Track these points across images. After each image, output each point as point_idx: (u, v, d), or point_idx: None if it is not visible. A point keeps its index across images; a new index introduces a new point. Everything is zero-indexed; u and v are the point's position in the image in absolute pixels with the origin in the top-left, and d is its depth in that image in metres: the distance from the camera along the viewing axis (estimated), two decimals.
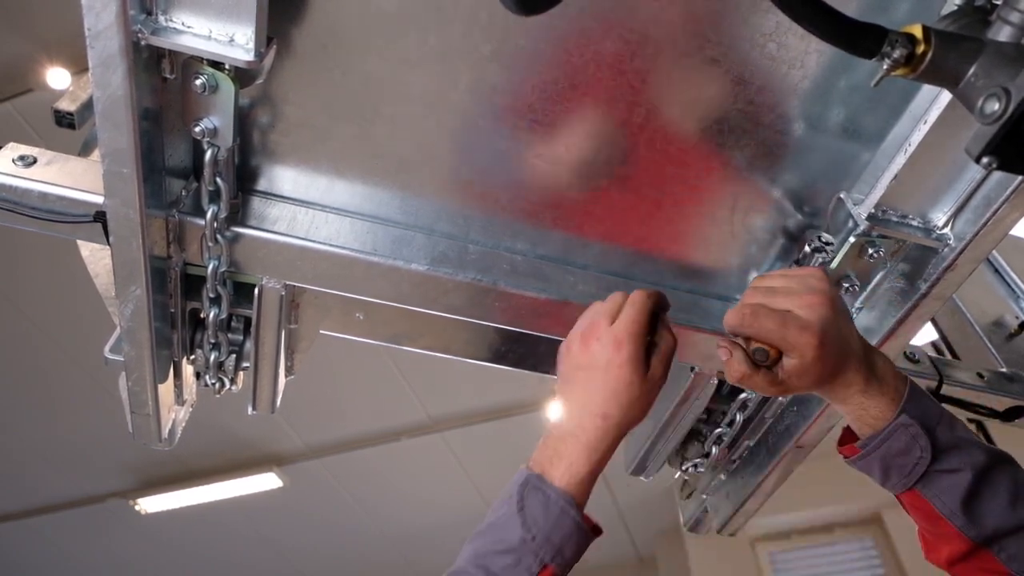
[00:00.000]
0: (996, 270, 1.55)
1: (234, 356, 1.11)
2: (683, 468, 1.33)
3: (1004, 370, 1.29)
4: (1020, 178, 0.82)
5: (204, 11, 0.75)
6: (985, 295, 1.49)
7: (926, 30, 0.65)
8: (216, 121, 0.84)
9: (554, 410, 0.90)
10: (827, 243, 0.98)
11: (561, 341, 0.90)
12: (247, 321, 1.08)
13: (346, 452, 5.03)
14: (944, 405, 1.20)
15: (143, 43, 0.74)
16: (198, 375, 1.16)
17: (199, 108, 0.83)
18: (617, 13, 0.83)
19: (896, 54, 0.65)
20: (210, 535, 6.06)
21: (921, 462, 0.82)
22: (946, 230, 0.91)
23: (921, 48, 0.65)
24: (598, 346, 0.85)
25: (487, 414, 4.71)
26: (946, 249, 0.91)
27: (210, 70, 0.80)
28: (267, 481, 5.26)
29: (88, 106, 1.11)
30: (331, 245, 0.96)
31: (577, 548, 0.82)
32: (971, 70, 0.65)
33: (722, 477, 1.33)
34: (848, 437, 0.89)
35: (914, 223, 0.92)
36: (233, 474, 5.22)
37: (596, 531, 0.85)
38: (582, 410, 0.85)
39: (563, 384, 0.89)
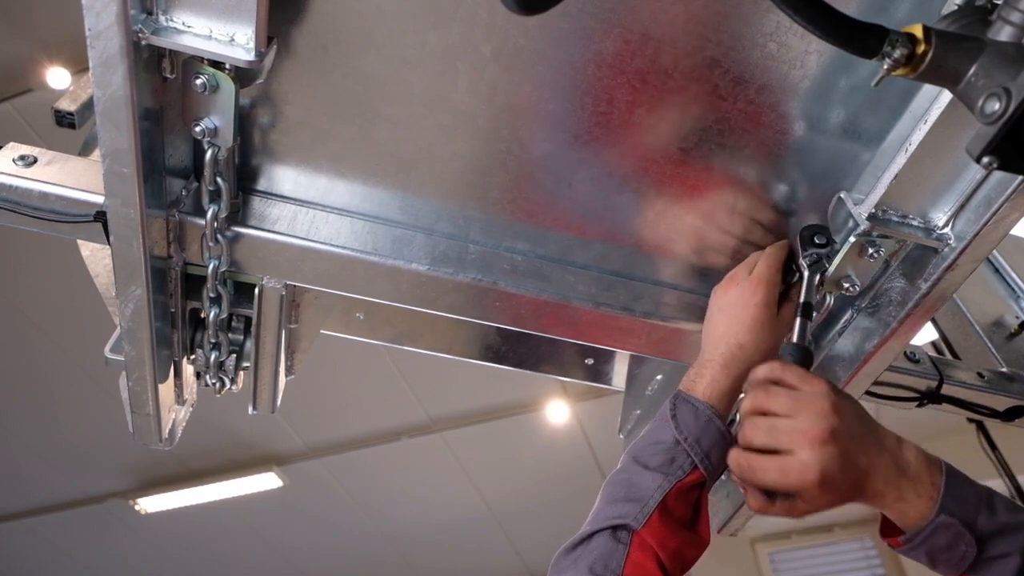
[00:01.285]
0: (996, 270, 1.55)
1: (234, 356, 1.11)
2: None
3: (1004, 370, 1.29)
4: (1020, 178, 0.81)
5: (204, 11, 0.75)
6: (985, 295, 1.49)
7: (926, 30, 0.65)
8: (216, 121, 0.84)
9: (702, 341, 1.03)
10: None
11: (561, 341, 0.93)
12: (247, 321, 1.08)
13: (346, 452, 5.04)
14: (944, 405, 1.21)
15: (143, 43, 0.74)
16: (198, 375, 1.16)
17: (199, 108, 0.83)
18: (617, 13, 0.83)
19: (896, 54, 0.65)
20: (210, 535, 6.06)
21: (967, 555, 0.84)
22: (946, 230, 0.91)
23: (921, 48, 0.65)
24: (737, 290, 1.00)
25: (487, 414, 4.71)
26: (946, 249, 0.91)
27: (210, 70, 0.80)
28: (267, 481, 5.27)
29: (88, 106, 1.11)
30: (331, 245, 0.96)
31: (722, 455, 0.91)
32: (971, 70, 0.65)
33: (722, 477, 1.33)
34: (889, 527, 0.91)
35: (914, 223, 0.92)
36: (233, 474, 5.22)
37: (735, 441, 0.92)
38: (722, 340, 0.98)
39: (707, 323, 1.03)
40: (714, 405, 0.94)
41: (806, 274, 0.98)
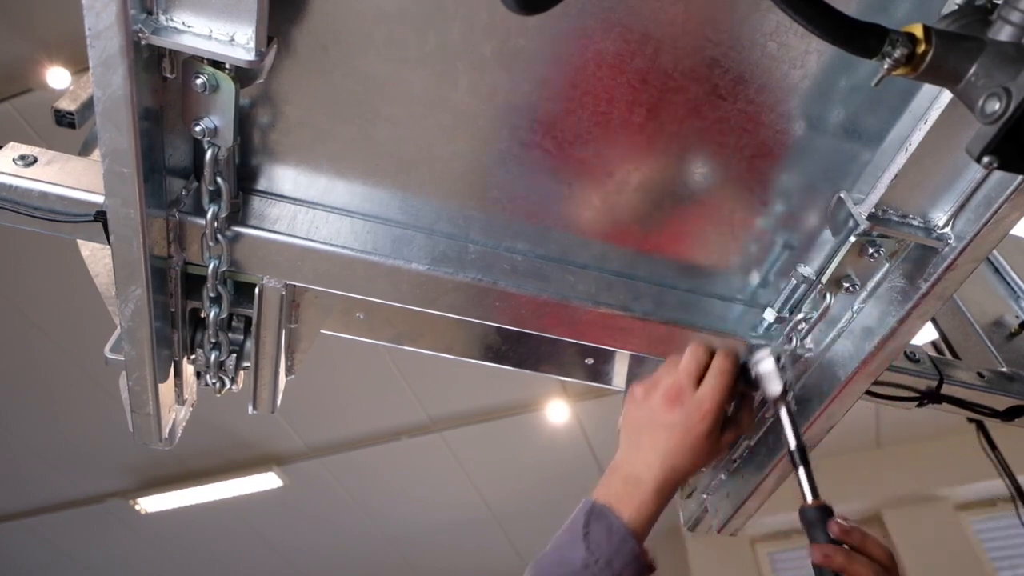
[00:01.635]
0: (996, 270, 1.55)
1: (234, 356, 1.11)
2: None
3: (1004, 370, 1.29)
4: (1020, 178, 0.81)
5: (204, 11, 0.75)
6: (985, 295, 1.49)
7: (927, 30, 0.65)
8: (216, 121, 0.84)
9: (626, 448, 1.00)
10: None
11: (561, 341, 0.92)
12: (247, 321, 1.08)
13: (346, 452, 5.04)
14: (944, 405, 1.21)
15: (143, 43, 0.74)
16: (198, 375, 1.16)
17: (199, 108, 0.83)
18: (617, 13, 0.83)
19: (897, 54, 0.65)
20: (210, 535, 6.07)
21: None
22: (946, 230, 0.91)
23: (921, 48, 0.65)
24: (681, 410, 0.96)
25: (487, 414, 4.72)
26: (946, 249, 0.91)
27: (211, 70, 0.80)
28: (267, 481, 5.27)
29: (88, 106, 1.10)
30: (331, 245, 0.96)
31: None
32: (972, 70, 0.65)
33: (722, 477, 1.33)
34: None
35: (915, 223, 0.92)
36: (233, 474, 5.22)
37: (651, 568, 0.91)
38: (655, 460, 0.95)
39: (635, 433, 0.99)
40: (635, 528, 0.90)
41: (784, 414, 0.95)
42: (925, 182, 0.89)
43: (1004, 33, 0.66)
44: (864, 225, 0.91)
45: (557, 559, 0.89)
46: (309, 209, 1.00)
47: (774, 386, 0.98)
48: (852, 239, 0.94)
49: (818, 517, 0.90)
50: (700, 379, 0.99)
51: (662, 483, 0.94)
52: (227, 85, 0.81)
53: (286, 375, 1.20)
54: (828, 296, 1.01)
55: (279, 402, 1.18)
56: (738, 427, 1.02)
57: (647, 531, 0.92)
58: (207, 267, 0.96)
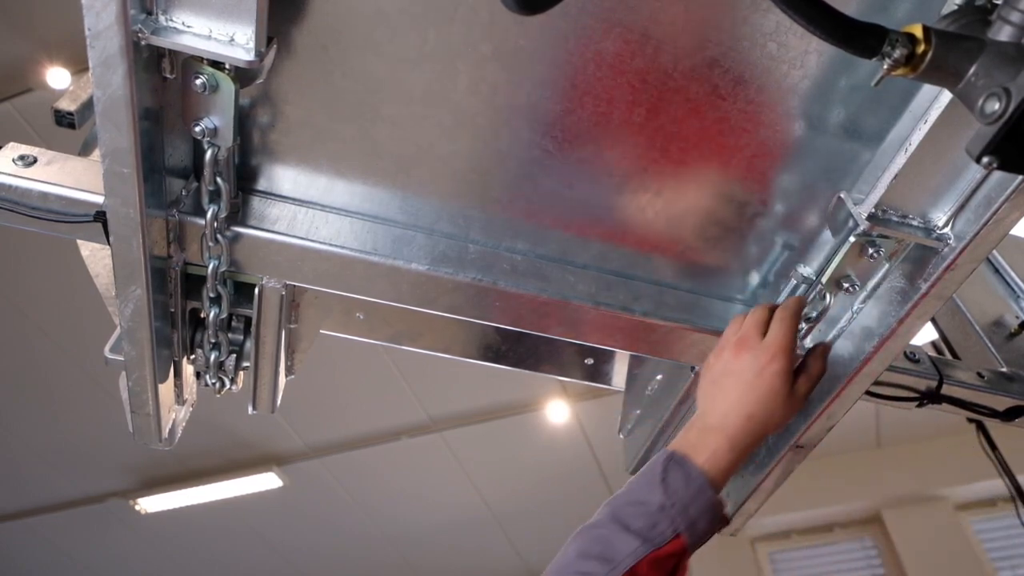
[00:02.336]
0: (996, 270, 1.55)
1: (234, 356, 1.11)
2: None
3: (1004, 370, 1.29)
4: (1020, 178, 0.81)
5: (204, 11, 0.75)
6: (985, 295, 1.49)
7: (926, 30, 0.65)
8: (216, 121, 0.84)
9: (702, 404, 0.99)
10: (806, 277, 1.01)
11: (561, 341, 0.92)
12: (247, 321, 1.08)
13: (346, 452, 5.03)
14: (944, 405, 1.21)
15: (143, 43, 0.74)
16: (198, 375, 1.16)
17: (199, 108, 0.83)
18: (617, 12, 0.83)
19: (896, 54, 0.65)
20: (210, 535, 6.06)
21: None
22: (946, 230, 0.91)
23: (921, 48, 0.65)
24: (750, 356, 0.95)
25: (487, 414, 4.71)
26: (946, 249, 0.91)
27: (210, 70, 0.80)
28: (267, 481, 5.26)
29: (88, 106, 1.10)
30: (331, 245, 0.96)
31: (709, 526, 0.89)
32: (971, 70, 0.65)
33: None
34: None
35: (914, 223, 0.92)
36: (233, 474, 5.22)
37: (726, 520, 0.91)
38: (730, 409, 0.93)
39: (711, 385, 0.98)
40: (711, 476, 0.90)
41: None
42: (925, 182, 0.89)
43: (1004, 33, 0.66)
44: (864, 225, 0.91)
45: (633, 499, 0.89)
46: (309, 209, 0.99)
47: None
48: (852, 239, 0.94)
49: None
50: (766, 331, 0.98)
51: (736, 432, 0.92)
52: (227, 85, 0.81)
53: (286, 375, 1.20)
54: (828, 296, 1.01)
55: (279, 402, 1.18)
56: (810, 376, 0.98)
57: (723, 482, 0.91)
58: (207, 267, 0.96)
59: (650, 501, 0.87)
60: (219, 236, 0.93)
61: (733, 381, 0.95)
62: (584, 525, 0.89)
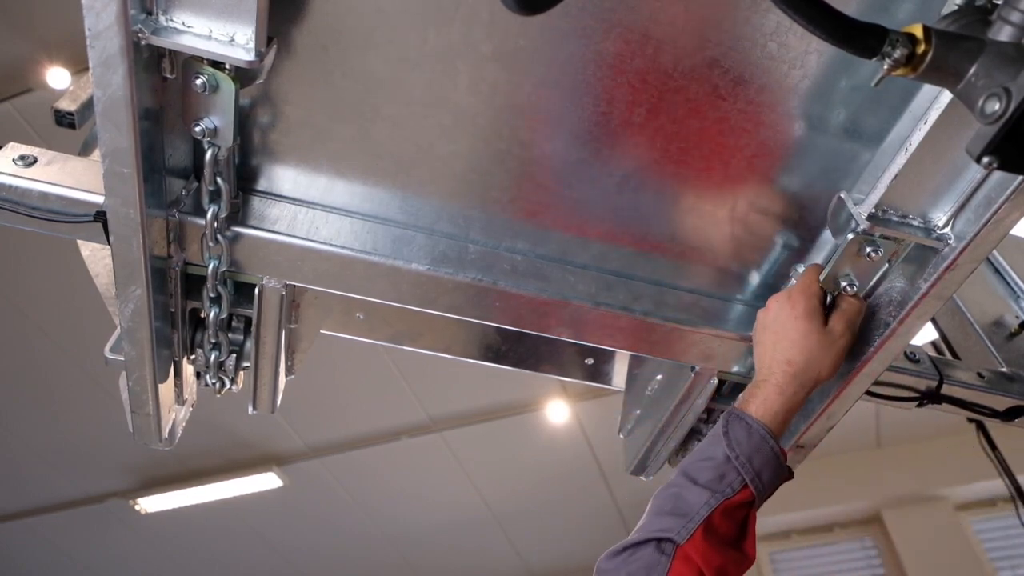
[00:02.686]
0: (996, 270, 1.55)
1: (234, 356, 1.10)
2: None
3: (1004, 370, 1.29)
4: (1020, 178, 0.81)
5: (204, 11, 0.75)
6: (985, 295, 1.49)
7: (927, 30, 0.65)
8: (216, 121, 0.84)
9: (755, 364, 1.02)
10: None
11: (561, 341, 0.93)
12: (247, 321, 1.08)
13: (346, 452, 5.03)
14: (944, 405, 1.21)
15: (143, 43, 0.74)
16: (198, 375, 1.16)
17: (199, 108, 0.83)
18: (618, 13, 0.83)
19: (897, 54, 0.65)
20: (210, 535, 6.06)
21: None
22: (946, 230, 0.91)
23: (922, 48, 0.65)
24: (776, 306, 1.00)
25: (487, 414, 4.71)
26: (946, 249, 0.91)
27: (210, 70, 0.80)
28: (267, 481, 5.26)
29: (88, 106, 1.10)
30: (331, 245, 0.96)
31: (773, 476, 0.93)
32: (971, 70, 0.65)
33: None
34: None
35: (915, 223, 0.92)
36: (233, 474, 5.21)
37: (790, 472, 0.95)
38: (770, 359, 0.98)
39: (756, 347, 1.02)
40: (767, 424, 0.93)
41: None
42: (925, 182, 0.89)
43: (1004, 33, 0.66)
44: (864, 225, 0.91)
45: (700, 456, 0.94)
46: (309, 209, 0.99)
47: None
48: (852, 239, 0.94)
49: None
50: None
51: (780, 379, 0.95)
52: (227, 85, 0.81)
53: (286, 375, 1.20)
54: (828, 296, 1.01)
55: (279, 402, 1.18)
56: (843, 313, 0.99)
57: (779, 431, 0.95)
58: (207, 267, 0.96)
59: (715, 455, 0.92)
60: (219, 236, 0.93)
61: (768, 335, 1.00)
62: (659, 488, 0.94)
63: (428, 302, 1.01)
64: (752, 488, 0.90)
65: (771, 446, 0.92)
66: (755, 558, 0.91)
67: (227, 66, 0.80)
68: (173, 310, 1.02)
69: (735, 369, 1.13)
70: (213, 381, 1.14)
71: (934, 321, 1.42)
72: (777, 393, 0.95)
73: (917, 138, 0.85)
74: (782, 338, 0.97)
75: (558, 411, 4.60)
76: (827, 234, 1.01)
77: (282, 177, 0.98)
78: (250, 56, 0.77)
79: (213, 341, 1.07)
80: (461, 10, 0.83)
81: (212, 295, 1.00)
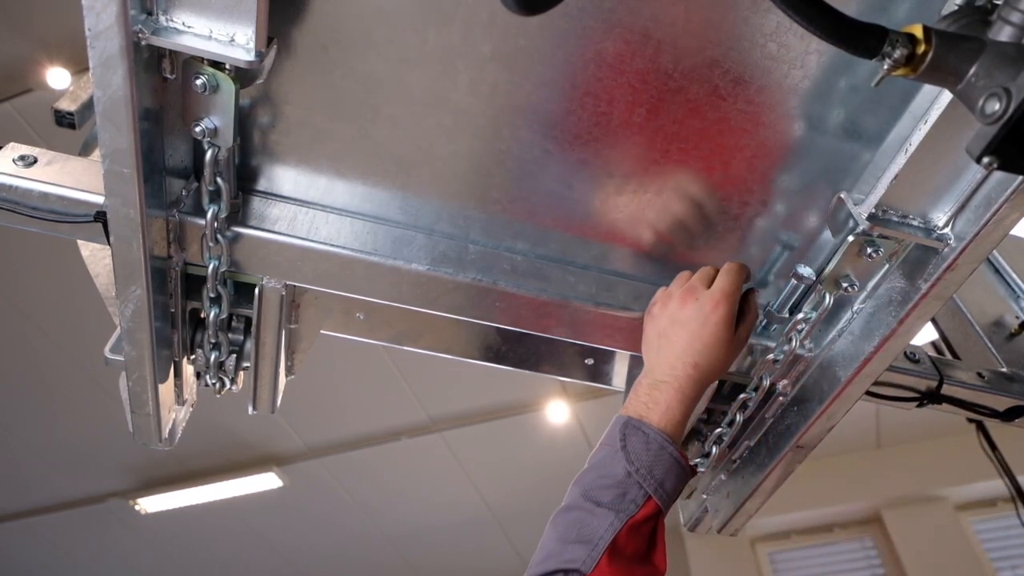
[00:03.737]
0: (996, 270, 1.55)
1: (234, 356, 1.11)
2: None
3: (1004, 370, 1.29)
4: (1020, 178, 0.81)
5: (204, 11, 0.75)
6: (985, 295, 1.49)
7: (926, 30, 0.65)
8: (216, 121, 0.84)
9: (648, 357, 0.99)
10: (805, 276, 1.01)
11: (561, 341, 0.92)
12: (247, 321, 1.08)
13: (346, 452, 5.03)
14: (944, 405, 1.21)
15: (143, 43, 0.74)
16: (198, 375, 1.16)
17: (199, 108, 0.83)
18: (618, 13, 0.83)
19: (897, 54, 0.65)
20: (210, 535, 6.06)
21: None
22: (946, 230, 0.91)
23: (921, 48, 0.65)
24: (696, 305, 0.96)
25: (487, 414, 4.71)
26: (946, 249, 0.91)
27: (211, 70, 0.80)
28: (267, 481, 5.26)
29: (88, 106, 1.10)
30: (331, 245, 0.96)
31: (677, 482, 0.90)
32: (972, 70, 0.65)
33: (722, 477, 1.33)
34: None
35: (915, 223, 0.92)
36: (233, 474, 5.22)
37: (693, 470, 0.93)
38: (676, 359, 0.94)
39: (657, 338, 0.98)
40: (668, 433, 0.91)
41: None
42: (925, 182, 0.89)
43: (1004, 33, 0.66)
44: (864, 225, 0.91)
45: (598, 474, 0.90)
46: (309, 209, 0.99)
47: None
48: (852, 239, 0.94)
49: None
50: (711, 285, 0.99)
51: (684, 381, 0.93)
52: (227, 85, 0.81)
53: (286, 375, 1.20)
54: (828, 296, 1.01)
55: (279, 402, 1.18)
56: (748, 320, 1.01)
57: (679, 435, 0.92)
58: (207, 267, 0.96)
59: (615, 472, 0.88)
60: (219, 236, 0.93)
61: (679, 330, 0.96)
62: (557, 511, 0.90)
63: (428, 302, 1.01)
64: (656, 499, 0.87)
65: (670, 452, 0.89)
66: (665, 569, 0.89)
67: (227, 66, 0.80)
68: (173, 310, 1.02)
69: (734, 369, 1.13)
70: (213, 381, 1.14)
71: (934, 321, 1.42)
72: (680, 400, 0.92)
73: (917, 138, 0.85)
74: (695, 339, 0.94)
75: (558, 411, 4.61)
76: (827, 234, 1.01)
77: (282, 177, 0.98)
78: (250, 56, 0.77)
79: (213, 341, 1.07)
80: (461, 10, 0.83)
81: (212, 295, 1.00)
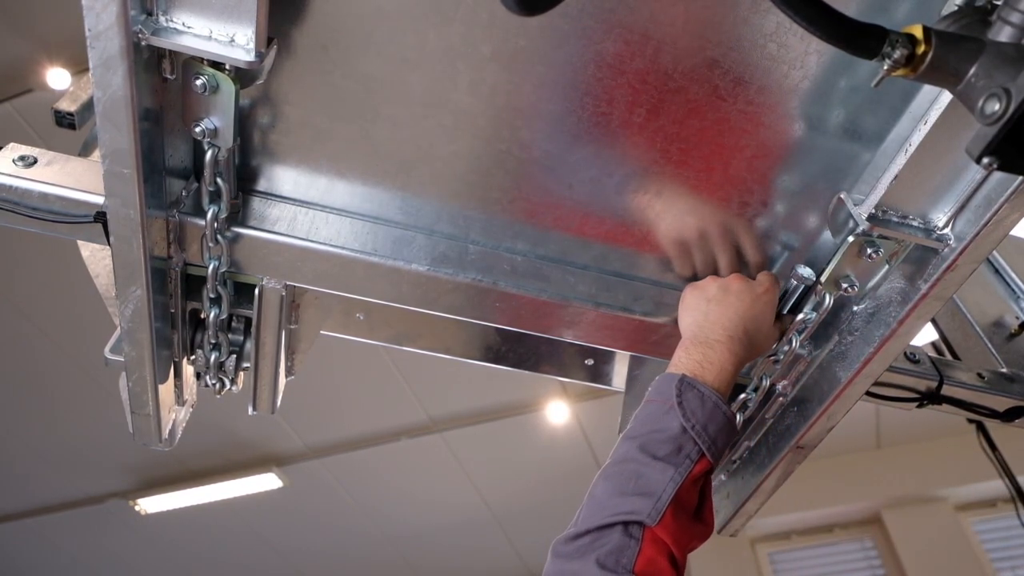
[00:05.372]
0: (996, 270, 1.55)
1: (234, 356, 1.11)
2: None
3: (1004, 370, 1.29)
4: (1020, 178, 0.81)
5: (204, 11, 0.75)
6: (985, 295, 1.49)
7: (926, 30, 0.65)
8: (216, 121, 0.84)
9: (693, 319, 1.00)
10: (805, 277, 1.02)
11: (561, 341, 0.92)
12: (247, 321, 1.08)
13: (346, 452, 5.03)
14: (944, 405, 1.21)
15: (143, 43, 0.74)
16: (198, 375, 1.16)
17: (199, 108, 0.83)
18: (618, 13, 0.83)
19: (896, 54, 0.65)
20: (210, 535, 6.06)
21: None
22: (946, 230, 0.91)
23: (921, 48, 0.65)
24: (746, 283, 1.01)
25: (487, 414, 4.71)
26: (946, 249, 0.91)
27: (210, 70, 0.80)
28: (267, 481, 5.26)
29: (88, 106, 1.10)
30: (331, 245, 0.96)
31: (727, 440, 0.92)
32: (971, 70, 0.65)
33: (722, 477, 1.33)
34: None
35: (914, 223, 0.92)
36: (233, 474, 5.21)
37: (737, 432, 0.97)
38: (729, 321, 0.97)
39: (706, 302, 1.00)
40: (720, 390, 0.93)
41: None
42: (925, 183, 0.89)
43: (1004, 34, 0.66)
44: (864, 226, 0.91)
45: (652, 428, 0.90)
46: (309, 210, 0.99)
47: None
48: (852, 240, 0.94)
49: None
50: None
51: (736, 345, 0.96)
52: (227, 86, 0.81)
53: (286, 376, 1.20)
54: (828, 297, 1.01)
55: (279, 402, 1.18)
56: (782, 323, 1.06)
57: (729, 391, 0.95)
58: (207, 268, 0.96)
59: (670, 426, 0.89)
60: (219, 236, 0.93)
61: (731, 298, 0.99)
62: (606, 465, 0.90)
63: (428, 303, 1.01)
64: (709, 456, 0.89)
65: (724, 412, 0.91)
66: (713, 527, 0.91)
67: (227, 67, 0.80)
68: (173, 311, 1.02)
69: None
70: (213, 382, 1.14)
71: (934, 321, 1.42)
72: (732, 360, 0.95)
73: (917, 139, 0.85)
74: (751, 307, 0.98)
75: (558, 411, 4.60)
76: (827, 234, 1.01)
77: (282, 178, 0.98)
78: (250, 57, 0.77)
79: (213, 342, 1.07)
80: (461, 11, 0.83)
81: (212, 296, 1.00)
